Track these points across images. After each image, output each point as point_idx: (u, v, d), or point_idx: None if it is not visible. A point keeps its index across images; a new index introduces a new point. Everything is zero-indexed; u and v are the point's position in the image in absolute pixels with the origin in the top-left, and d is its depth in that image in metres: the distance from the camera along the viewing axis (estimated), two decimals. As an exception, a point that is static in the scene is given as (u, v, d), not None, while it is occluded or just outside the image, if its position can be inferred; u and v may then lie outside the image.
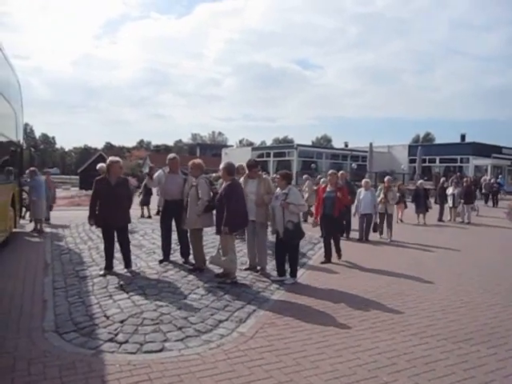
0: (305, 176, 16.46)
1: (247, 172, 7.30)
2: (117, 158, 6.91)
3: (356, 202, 11.11)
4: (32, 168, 11.32)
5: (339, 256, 8.43)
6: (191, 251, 7.20)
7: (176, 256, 7.54)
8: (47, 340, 4.35)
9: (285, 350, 4.26)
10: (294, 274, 6.77)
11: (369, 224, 10.95)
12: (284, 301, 5.83)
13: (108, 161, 6.79)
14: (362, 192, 11.06)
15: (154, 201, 13.01)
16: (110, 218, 6.52)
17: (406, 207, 15.35)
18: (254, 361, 3.99)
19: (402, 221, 15.21)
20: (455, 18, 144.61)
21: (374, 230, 10.96)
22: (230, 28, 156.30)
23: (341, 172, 11.63)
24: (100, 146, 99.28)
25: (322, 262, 8.11)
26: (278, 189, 6.92)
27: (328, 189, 8.47)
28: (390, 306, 5.76)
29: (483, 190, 25.27)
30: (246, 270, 7.13)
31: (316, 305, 5.68)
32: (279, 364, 3.94)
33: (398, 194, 13.43)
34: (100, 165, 12.49)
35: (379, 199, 11.44)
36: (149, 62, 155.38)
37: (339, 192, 8.31)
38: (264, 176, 7.45)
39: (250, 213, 6.84)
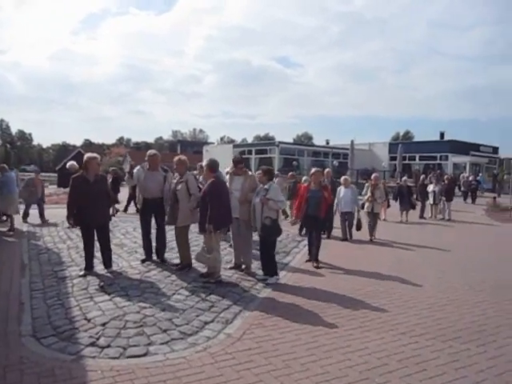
0: (276, 173, 16.19)
1: (232, 168, 7.18)
2: (94, 154, 6.68)
3: (336, 200, 10.57)
4: (2, 165, 10.96)
5: (316, 264, 7.67)
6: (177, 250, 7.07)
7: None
8: (24, 345, 4.13)
9: (274, 351, 4.14)
10: (273, 272, 6.61)
11: (350, 223, 10.58)
12: (270, 300, 5.71)
13: (85, 157, 6.54)
14: (341, 190, 10.64)
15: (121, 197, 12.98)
16: (90, 217, 6.29)
17: (389, 206, 15.05)
18: (243, 364, 3.86)
19: (385, 219, 14.79)
20: (434, 18, 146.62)
21: (357, 229, 10.27)
22: (210, 25, 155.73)
23: (327, 170, 11.45)
24: (79, 143, 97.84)
25: (308, 260, 7.97)
26: (261, 185, 6.82)
27: (312, 188, 7.94)
28: (377, 304, 5.69)
29: (462, 188, 25.59)
30: (230, 268, 7.00)
31: (303, 304, 5.58)
32: (269, 367, 3.82)
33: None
34: (70, 163, 12.23)
35: (366, 197, 11.18)
36: (128, 58, 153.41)
37: (325, 191, 7.95)
38: (250, 173, 7.30)
39: (234, 210, 6.71)
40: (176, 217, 6.74)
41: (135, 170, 7.16)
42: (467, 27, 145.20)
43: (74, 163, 12.18)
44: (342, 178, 11.20)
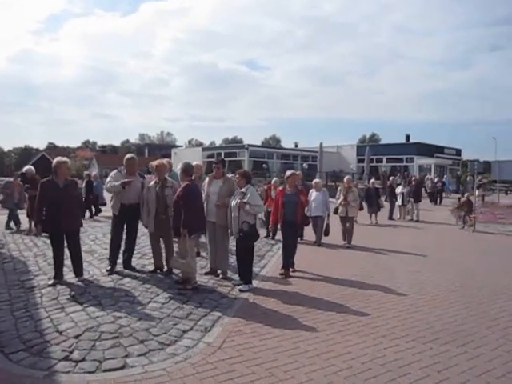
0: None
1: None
2: (64, 159, 6.42)
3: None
4: None
5: (288, 271, 7.32)
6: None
7: (132, 262, 7.12)
8: (-9, 362, 3.88)
9: (256, 359, 4.04)
10: (248, 279, 6.40)
11: (321, 227, 10.10)
12: (248, 306, 5.61)
13: (55, 161, 6.28)
14: (313, 193, 10.21)
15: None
16: (59, 223, 6.03)
17: (361, 208, 14.38)
18: (225, 374, 3.74)
19: (356, 222, 14.82)
20: (398, 24, 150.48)
21: (325, 234, 9.82)
22: (176, 27, 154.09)
23: (297, 172, 11.32)
24: (42, 146, 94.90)
25: (282, 272, 7.28)
26: (238, 188, 6.67)
27: (287, 192, 7.58)
28: (355, 308, 5.68)
29: (428, 190, 26.16)
30: (206, 274, 6.86)
31: (282, 309, 5.50)
32: (252, 376, 3.71)
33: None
34: (27, 167, 11.81)
35: (339, 201, 10.85)
36: (93, 60, 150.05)
37: (302, 196, 7.73)
38: (229, 176, 7.19)
39: (211, 214, 6.59)
40: (151, 223, 6.62)
41: (111, 174, 6.90)
42: (428, 33, 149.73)
43: (31, 168, 11.82)
44: (314, 181, 10.80)
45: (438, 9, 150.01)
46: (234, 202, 6.44)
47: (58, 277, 6.16)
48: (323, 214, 10.03)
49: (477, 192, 24.48)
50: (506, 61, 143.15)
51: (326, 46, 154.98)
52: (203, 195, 6.70)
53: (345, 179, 11.43)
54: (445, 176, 28.09)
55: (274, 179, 11.94)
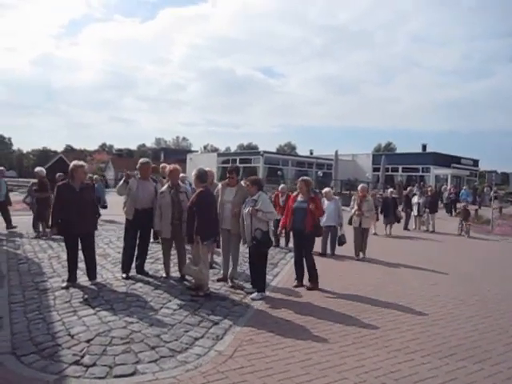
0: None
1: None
2: (81, 162, 6.48)
3: None
4: None
5: (314, 284, 7.01)
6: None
7: (145, 267, 7.12)
8: (2, 364, 3.88)
9: (267, 370, 3.98)
10: (261, 287, 6.31)
11: (333, 237, 9.93)
12: (261, 315, 5.54)
13: (72, 165, 6.33)
14: (324, 202, 9.81)
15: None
16: (75, 225, 6.07)
17: (377, 219, 14.52)
18: (236, 384, 3.69)
19: (376, 234, 14.28)
20: (414, 33, 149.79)
21: (340, 244, 9.44)
22: (194, 33, 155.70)
23: (304, 178, 10.79)
24: (60, 148, 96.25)
25: (295, 286, 7.03)
26: (250, 196, 6.58)
27: (299, 198, 7.29)
28: (368, 320, 5.57)
29: (444, 200, 25.67)
30: (218, 280, 6.82)
31: (294, 319, 5.43)
32: (263, 387, 3.66)
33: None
34: (38, 168, 11.54)
35: (353, 211, 10.34)
36: (112, 65, 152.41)
37: (312, 203, 7.11)
38: (243, 184, 7.15)
39: (226, 222, 6.56)
40: (163, 228, 6.67)
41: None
42: (444, 42, 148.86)
43: (42, 169, 11.51)
44: (325, 190, 10.52)
45: (454, 19, 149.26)
46: (245, 210, 6.38)
47: (72, 279, 6.19)
48: (336, 224, 9.86)
49: (494, 204, 24.06)
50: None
51: (341, 55, 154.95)
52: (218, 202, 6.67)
53: (359, 188, 10.78)
54: (464, 187, 27.53)
55: (281, 186, 11.60)
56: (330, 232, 10.00)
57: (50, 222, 6.52)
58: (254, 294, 6.21)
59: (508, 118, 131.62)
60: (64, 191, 6.13)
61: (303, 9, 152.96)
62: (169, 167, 7.02)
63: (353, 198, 11.12)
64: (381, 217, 15.19)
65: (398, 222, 15.30)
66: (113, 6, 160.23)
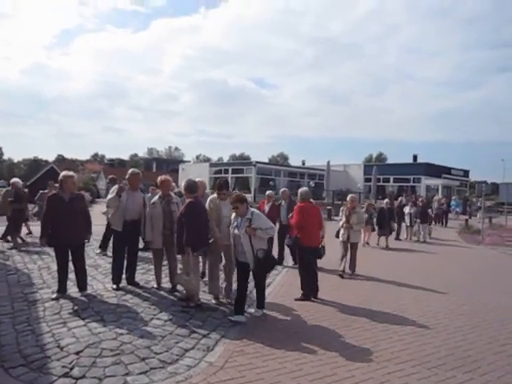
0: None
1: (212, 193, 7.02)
2: (70, 173, 6.47)
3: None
4: None
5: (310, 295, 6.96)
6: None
7: (136, 278, 7.10)
8: (-9, 376, 3.85)
9: (258, 381, 3.98)
10: (261, 304, 6.10)
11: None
12: (252, 326, 5.53)
13: (61, 176, 6.33)
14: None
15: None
16: (65, 236, 6.05)
17: (373, 230, 14.24)
18: (226, 395, 3.68)
19: (368, 244, 14.20)
20: (404, 44, 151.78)
21: (318, 257, 7.80)
22: (187, 44, 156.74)
23: (282, 190, 10.64)
24: (51, 158, 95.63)
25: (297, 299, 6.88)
26: (233, 215, 6.03)
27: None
28: (359, 330, 5.59)
29: (433, 211, 25.71)
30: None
31: (285, 330, 5.43)
32: (253, 398, 3.65)
33: (365, 215, 12.70)
34: (14, 179, 11.40)
35: (341, 223, 9.43)
36: (104, 75, 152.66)
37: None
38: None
39: (225, 237, 6.35)
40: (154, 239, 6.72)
41: (113, 189, 6.90)
42: (434, 53, 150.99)
43: (18, 180, 11.37)
44: (299, 191, 8.67)
45: (446, 30, 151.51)
46: (237, 231, 5.84)
47: (62, 291, 6.15)
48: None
49: (478, 215, 24.18)
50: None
51: (333, 66, 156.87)
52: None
53: (348, 198, 9.81)
54: (453, 197, 27.75)
55: (268, 192, 10.75)
56: None
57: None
58: (255, 311, 6.03)
59: (499, 128, 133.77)
60: (54, 202, 6.12)
61: (295, 21, 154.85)
62: (160, 178, 7.03)
63: (341, 209, 10.13)
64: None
65: (390, 233, 15.03)
66: (105, 17, 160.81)
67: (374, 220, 14.64)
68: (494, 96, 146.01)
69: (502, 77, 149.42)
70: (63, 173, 6.41)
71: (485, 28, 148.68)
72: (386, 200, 16.04)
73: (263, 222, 5.86)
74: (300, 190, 7.72)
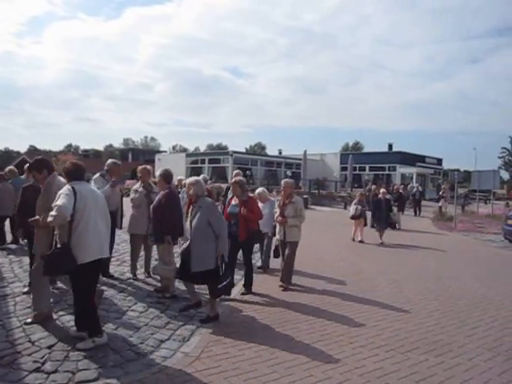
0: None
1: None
2: None
3: None
4: None
5: (248, 290, 6.58)
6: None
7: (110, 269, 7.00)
8: (-41, 373, 3.73)
9: (234, 370, 3.97)
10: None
11: (268, 247, 8.18)
12: (228, 316, 5.53)
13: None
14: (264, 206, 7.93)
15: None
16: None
17: (366, 224, 12.92)
18: (202, 385, 3.67)
19: (362, 242, 12.57)
20: (377, 35, 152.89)
21: (275, 255, 7.53)
22: (160, 33, 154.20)
23: (236, 171, 9.46)
24: (23, 149, 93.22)
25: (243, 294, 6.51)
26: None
27: (233, 202, 6.60)
28: (334, 317, 5.64)
29: (410, 198, 26.00)
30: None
31: (260, 319, 5.44)
32: (229, 387, 3.65)
33: (358, 207, 12.40)
34: None
35: (275, 216, 7.41)
36: (76, 63, 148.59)
37: (244, 207, 6.34)
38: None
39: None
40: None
41: (96, 177, 6.78)
42: (406, 45, 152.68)
43: None
44: (257, 191, 8.21)
45: (416, 21, 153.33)
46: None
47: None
48: (270, 231, 8.03)
49: (440, 202, 24.31)
50: (484, 73, 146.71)
51: (307, 56, 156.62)
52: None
53: (282, 183, 7.43)
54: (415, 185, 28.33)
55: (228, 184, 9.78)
56: (266, 241, 8.22)
57: None
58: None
59: (470, 119, 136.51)
60: (30, 194, 5.93)
61: (268, 10, 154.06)
62: (139, 168, 7.13)
63: (276, 198, 8.55)
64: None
65: (394, 227, 13.74)
66: (76, 4, 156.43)
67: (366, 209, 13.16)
68: (464, 87, 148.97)
69: (470, 68, 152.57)
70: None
71: (454, 19, 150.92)
72: (383, 190, 14.15)
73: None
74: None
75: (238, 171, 9.45)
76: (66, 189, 4.23)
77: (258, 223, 6.89)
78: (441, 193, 24.80)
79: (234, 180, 6.71)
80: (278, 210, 7.31)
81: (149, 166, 7.26)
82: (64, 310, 5.24)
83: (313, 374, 3.98)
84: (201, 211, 5.21)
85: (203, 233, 5.14)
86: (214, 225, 5.17)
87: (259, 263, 8.52)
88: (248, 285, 6.64)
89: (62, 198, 4.10)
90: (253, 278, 6.74)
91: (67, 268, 4.15)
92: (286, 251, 7.11)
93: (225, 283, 5.18)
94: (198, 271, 5.08)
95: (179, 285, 6.43)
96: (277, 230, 7.39)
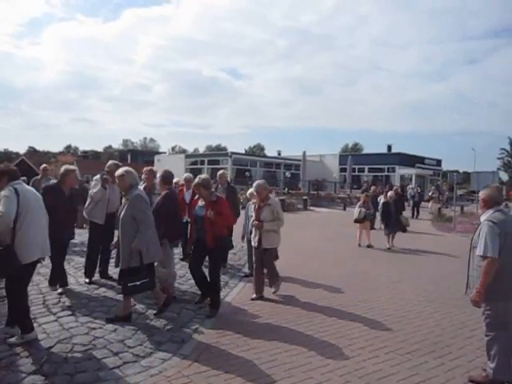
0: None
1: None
2: (72, 167, 6.39)
3: (244, 220, 7.64)
4: None
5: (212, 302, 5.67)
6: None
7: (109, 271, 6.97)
8: (-44, 375, 3.72)
9: (233, 372, 3.96)
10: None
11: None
12: (226, 318, 5.51)
13: (63, 169, 6.20)
14: (249, 207, 7.42)
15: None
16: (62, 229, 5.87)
17: (372, 227, 12.58)
18: (201, 387, 3.66)
19: (371, 246, 11.93)
20: (374, 36, 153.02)
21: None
22: (158, 34, 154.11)
23: (220, 172, 8.74)
24: (22, 150, 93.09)
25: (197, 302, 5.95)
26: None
27: (200, 203, 5.95)
28: (333, 319, 5.64)
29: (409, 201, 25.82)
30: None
31: (259, 321, 5.44)
32: (228, 390, 3.64)
33: (362, 210, 11.99)
34: None
35: (251, 221, 6.83)
36: (74, 65, 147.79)
37: (210, 209, 5.60)
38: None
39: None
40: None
41: (96, 178, 6.75)
42: (404, 46, 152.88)
43: None
44: (249, 191, 7.59)
45: (413, 23, 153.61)
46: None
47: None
48: None
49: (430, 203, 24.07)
50: (482, 74, 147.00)
51: (305, 57, 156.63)
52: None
53: (254, 185, 6.74)
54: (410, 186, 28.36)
55: (186, 175, 9.00)
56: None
57: None
58: None
59: (468, 119, 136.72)
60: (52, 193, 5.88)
61: (266, 11, 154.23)
62: (145, 169, 6.98)
63: (251, 202, 7.50)
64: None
65: (404, 231, 12.94)
66: (74, 6, 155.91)
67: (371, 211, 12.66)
68: (462, 88, 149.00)
69: (468, 69, 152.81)
70: (65, 166, 6.31)
71: (451, 21, 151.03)
72: (391, 193, 13.19)
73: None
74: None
75: (222, 171, 9.10)
76: (7, 190, 4.15)
77: (231, 228, 6.62)
78: (430, 194, 24.83)
79: (195, 182, 5.89)
80: (253, 215, 6.73)
81: (154, 168, 7.21)
82: (62, 311, 5.21)
83: (312, 376, 3.96)
84: (127, 204, 5.09)
85: (128, 228, 5.00)
86: (136, 218, 5.00)
87: (246, 269, 8.07)
88: (213, 306, 5.60)
89: (3, 202, 4.04)
90: (219, 299, 5.74)
91: (12, 269, 4.05)
92: (259, 260, 6.49)
93: (138, 283, 4.92)
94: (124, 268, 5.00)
95: (179, 285, 6.43)
96: (252, 235, 6.70)
